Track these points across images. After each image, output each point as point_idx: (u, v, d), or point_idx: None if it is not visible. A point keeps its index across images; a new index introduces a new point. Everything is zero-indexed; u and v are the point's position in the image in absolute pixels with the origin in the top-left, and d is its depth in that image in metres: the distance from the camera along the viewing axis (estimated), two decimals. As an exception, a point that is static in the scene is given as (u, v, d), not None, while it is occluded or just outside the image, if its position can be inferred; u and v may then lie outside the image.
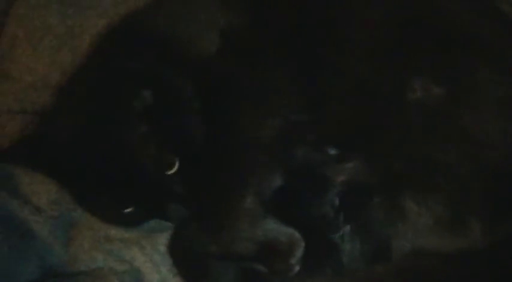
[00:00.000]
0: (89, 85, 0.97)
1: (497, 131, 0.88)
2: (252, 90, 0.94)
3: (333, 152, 0.92)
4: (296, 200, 0.94)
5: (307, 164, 0.92)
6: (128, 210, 0.96)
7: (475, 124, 0.87)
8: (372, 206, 0.90)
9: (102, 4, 1.21)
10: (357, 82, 0.91)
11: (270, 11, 1.01)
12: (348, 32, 0.95)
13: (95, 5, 1.21)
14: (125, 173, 0.92)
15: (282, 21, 0.99)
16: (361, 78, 0.91)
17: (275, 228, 0.91)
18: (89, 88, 0.96)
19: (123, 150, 0.92)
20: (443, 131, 0.88)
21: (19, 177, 1.05)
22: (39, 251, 1.02)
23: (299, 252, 0.90)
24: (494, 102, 0.89)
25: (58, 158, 0.96)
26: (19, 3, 1.24)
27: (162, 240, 1.03)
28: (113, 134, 0.93)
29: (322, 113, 0.93)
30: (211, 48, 0.98)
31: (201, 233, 0.93)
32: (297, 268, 0.90)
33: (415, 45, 0.91)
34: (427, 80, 0.89)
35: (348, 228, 0.91)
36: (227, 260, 0.92)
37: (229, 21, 1.00)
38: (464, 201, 0.87)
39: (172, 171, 0.94)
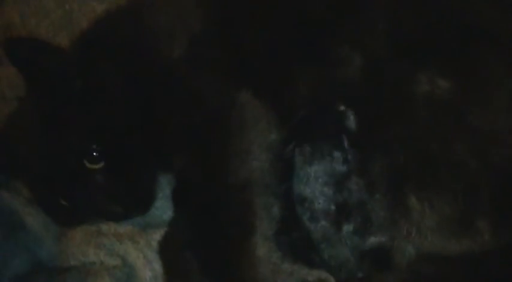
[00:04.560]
0: None
1: (507, 128, 0.83)
2: (226, 118, 0.91)
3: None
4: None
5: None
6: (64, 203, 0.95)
7: (484, 120, 0.83)
8: (373, 203, 0.86)
9: (101, -11, 1.17)
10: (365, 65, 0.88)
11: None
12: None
13: (94, -10, 1.18)
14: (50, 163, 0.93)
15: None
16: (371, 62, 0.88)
17: (296, 270, 0.88)
18: None
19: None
20: (450, 127, 0.84)
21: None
22: (29, 244, 1.00)
23: None
24: (505, 98, 0.84)
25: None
26: (14, -14, 1.21)
27: (156, 236, 0.99)
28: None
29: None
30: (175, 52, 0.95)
31: None
32: None
33: (423, 37, 0.87)
34: (433, 73, 0.84)
35: (348, 227, 0.88)
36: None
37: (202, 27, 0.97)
38: (472, 200, 0.82)
39: (96, 166, 0.92)
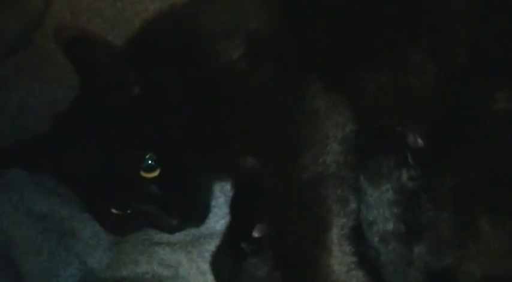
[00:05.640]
0: None
1: None
2: (296, 110, 0.86)
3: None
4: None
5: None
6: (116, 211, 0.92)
7: None
8: (441, 222, 0.82)
9: (154, -13, 1.14)
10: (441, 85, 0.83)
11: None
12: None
13: (147, -12, 1.14)
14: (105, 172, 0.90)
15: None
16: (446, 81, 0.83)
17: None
18: None
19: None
20: None
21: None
22: (80, 253, 0.98)
23: None
24: None
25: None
26: (66, -18, 1.18)
27: (210, 247, 0.97)
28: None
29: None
30: (234, 53, 0.90)
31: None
32: None
33: (501, 51, 0.82)
34: (511, 89, 0.80)
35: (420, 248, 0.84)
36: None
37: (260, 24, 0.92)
38: None
39: (151, 175, 0.89)
